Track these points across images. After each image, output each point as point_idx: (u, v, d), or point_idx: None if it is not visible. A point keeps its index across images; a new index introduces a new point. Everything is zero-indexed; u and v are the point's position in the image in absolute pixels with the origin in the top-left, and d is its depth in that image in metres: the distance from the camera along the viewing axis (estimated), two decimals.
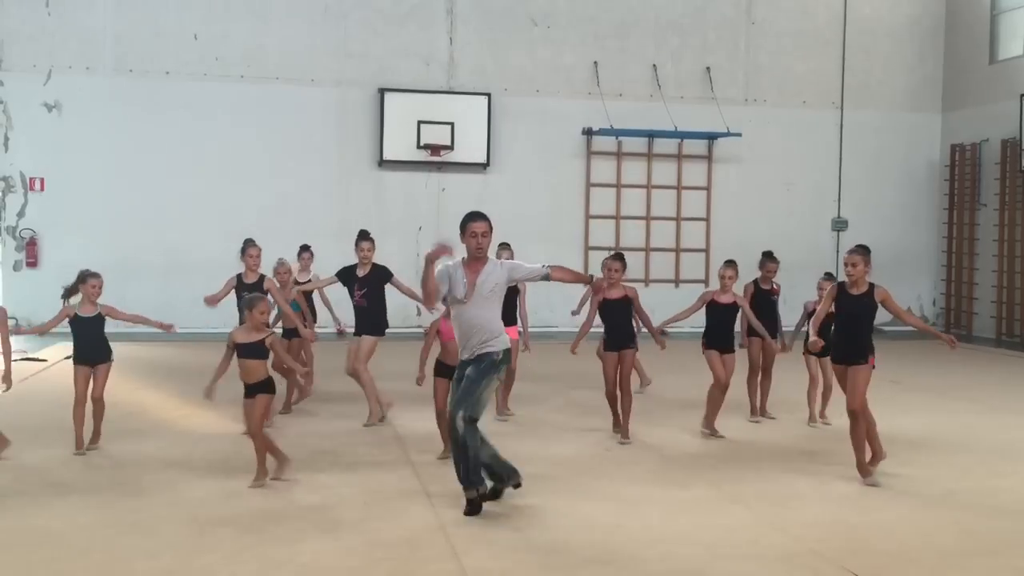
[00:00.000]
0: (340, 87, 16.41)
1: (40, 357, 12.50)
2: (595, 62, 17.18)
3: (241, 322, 7.21)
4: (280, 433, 7.99)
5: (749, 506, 6.41)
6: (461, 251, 6.32)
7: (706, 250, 17.52)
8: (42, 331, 8.13)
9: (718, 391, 8.52)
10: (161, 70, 15.87)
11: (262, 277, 8.77)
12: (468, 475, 6.02)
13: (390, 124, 16.27)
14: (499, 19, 16.92)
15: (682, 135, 17.19)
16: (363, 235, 8.93)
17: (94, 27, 15.72)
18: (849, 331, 6.96)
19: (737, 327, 8.80)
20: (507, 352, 6.28)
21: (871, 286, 6.93)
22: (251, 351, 6.67)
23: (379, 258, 9.01)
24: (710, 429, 8.52)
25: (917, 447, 8.28)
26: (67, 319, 7.55)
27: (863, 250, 6.95)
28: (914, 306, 18.77)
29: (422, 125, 16.22)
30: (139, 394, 10.19)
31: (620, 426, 8.34)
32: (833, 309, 7.16)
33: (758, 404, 9.35)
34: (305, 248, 10.28)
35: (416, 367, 7.66)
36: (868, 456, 7.06)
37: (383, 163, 16.46)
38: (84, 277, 7.53)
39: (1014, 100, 16.49)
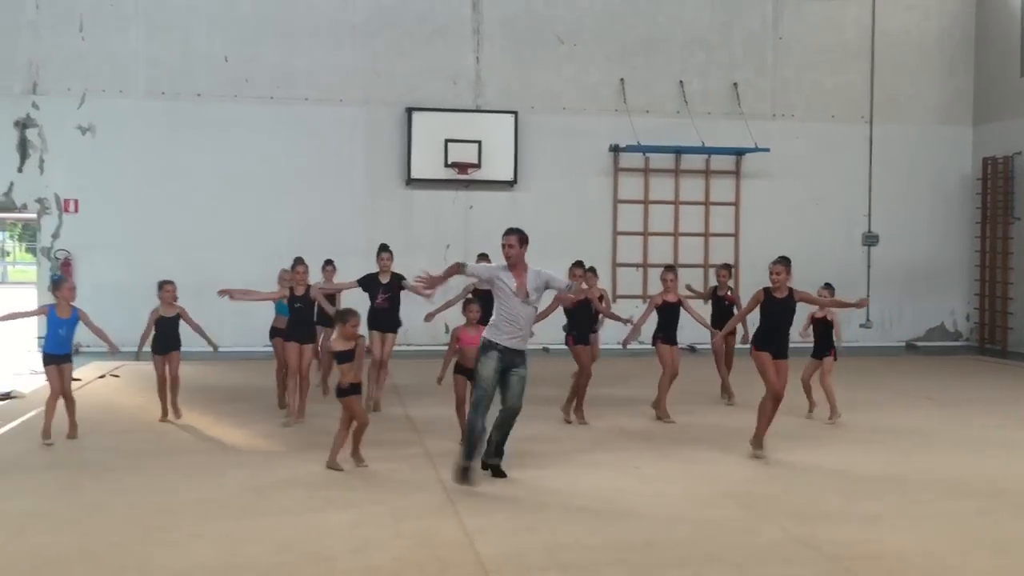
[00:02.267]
0: (368, 107, 16.54)
1: (74, 376, 12.61)
2: (621, 79, 17.20)
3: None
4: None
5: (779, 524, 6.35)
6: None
7: (735, 266, 17.42)
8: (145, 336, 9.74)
9: (667, 380, 9.95)
10: (192, 92, 16.09)
11: (308, 287, 9.89)
12: (493, 451, 7.47)
13: (418, 143, 16.37)
14: (525, 37, 17.00)
15: (710, 151, 17.15)
16: (383, 247, 10.49)
17: (126, 51, 15.97)
18: (773, 326, 8.19)
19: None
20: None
21: (790, 290, 8.28)
22: (345, 357, 7.59)
23: (408, 276, 10.10)
24: (662, 414, 9.90)
25: (951, 464, 8.17)
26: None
27: (785, 261, 8.34)
28: (947, 321, 18.57)
29: (449, 144, 16.30)
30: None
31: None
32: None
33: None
34: (328, 263, 11.42)
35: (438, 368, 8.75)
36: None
37: (411, 182, 16.55)
38: (161, 284, 9.68)
39: None
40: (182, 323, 9.73)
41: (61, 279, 9.19)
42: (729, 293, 11.27)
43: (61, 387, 8.72)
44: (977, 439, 9.36)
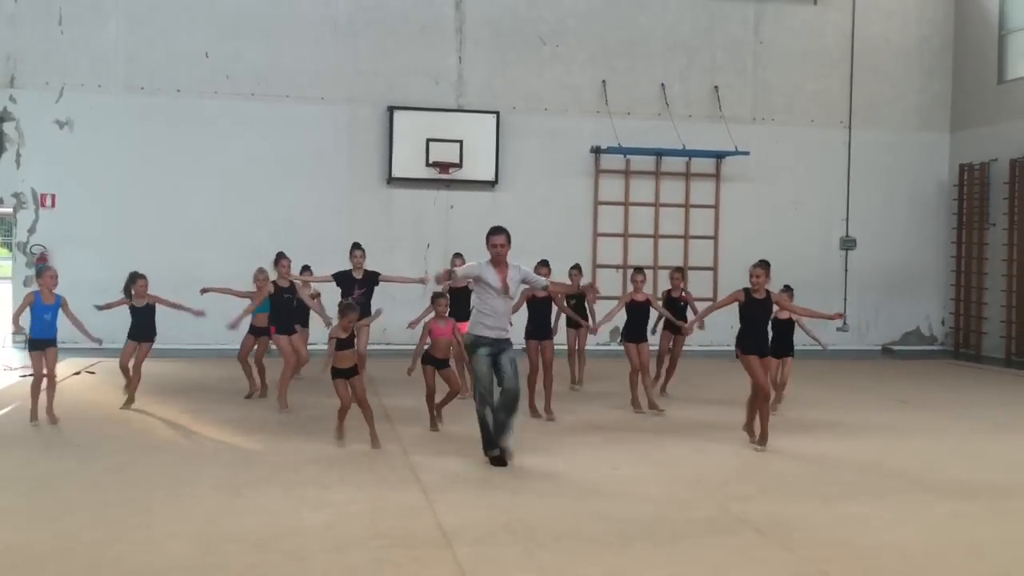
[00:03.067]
0: (350, 105, 16.50)
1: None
2: (603, 81, 17.25)
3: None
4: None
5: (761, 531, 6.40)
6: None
7: (714, 268, 17.52)
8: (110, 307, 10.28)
9: (635, 375, 10.53)
10: (172, 88, 15.99)
11: (291, 283, 10.63)
12: (496, 436, 7.83)
13: (399, 142, 16.35)
14: (508, 38, 17.01)
15: (690, 153, 17.23)
16: (356, 245, 11.05)
17: (106, 45, 15.86)
18: (755, 327, 8.65)
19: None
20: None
21: (768, 292, 8.72)
22: (344, 344, 8.48)
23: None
24: (636, 407, 10.46)
25: (925, 467, 8.25)
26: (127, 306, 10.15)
27: (765, 264, 8.75)
28: (923, 325, 18.75)
29: (431, 143, 16.29)
30: (152, 408, 10.20)
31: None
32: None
33: (661, 386, 11.61)
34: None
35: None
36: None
37: (392, 180, 16.52)
38: (134, 278, 10.21)
39: (1023, 120, 16.49)
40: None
41: (44, 267, 9.82)
42: (684, 294, 11.69)
43: (43, 369, 9.21)
44: (950, 441, 9.45)
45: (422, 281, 11.86)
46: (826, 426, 10.03)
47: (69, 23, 15.76)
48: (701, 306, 10.92)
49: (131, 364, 10.14)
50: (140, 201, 15.79)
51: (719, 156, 17.41)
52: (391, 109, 16.41)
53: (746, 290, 8.67)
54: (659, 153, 17.24)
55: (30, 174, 15.71)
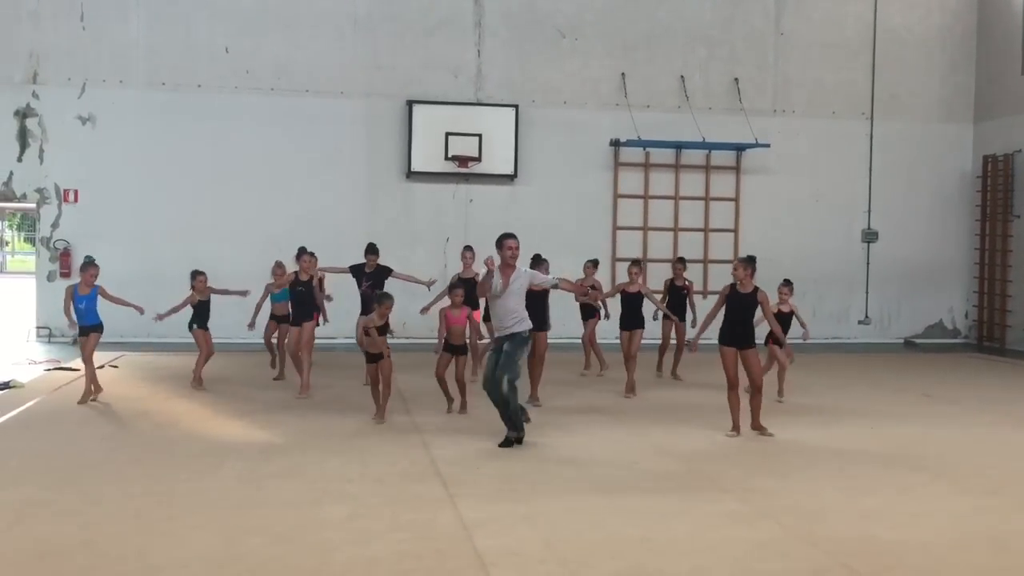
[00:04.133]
0: (369, 99, 16.53)
1: (73, 367, 12.65)
2: (622, 73, 17.19)
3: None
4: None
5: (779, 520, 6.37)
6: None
7: (734, 261, 17.39)
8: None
9: (627, 360, 11.10)
10: (193, 83, 16.07)
11: (311, 277, 11.07)
12: (513, 423, 8.34)
13: (418, 136, 16.36)
14: (527, 31, 16.98)
15: (710, 146, 17.15)
16: (370, 248, 11.74)
17: (127, 41, 15.95)
18: (739, 320, 8.89)
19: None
20: (531, 332, 8.60)
21: (755, 288, 8.91)
22: (379, 332, 9.30)
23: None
24: (628, 390, 11.05)
25: (949, 460, 8.19)
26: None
27: (748, 260, 9.04)
28: (946, 318, 18.60)
29: (450, 137, 16.29)
30: (174, 401, 10.29)
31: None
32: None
33: (671, 368, 12.43)
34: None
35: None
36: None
37: (411, 174, 16.54)
38: (194, 274, 11.25)
39: None
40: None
41: (88, 262, 10.38)
42: (686, 283, 12.43)
43: (84, 354, 10.11)
44: (974, 435, 9.37)
45: (429, 284, 12.12)
46: (849, 419, 9.98)
47: (91, 19, 15.86)
48: (700, 304, 11.24)
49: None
50: (161, 196, 15.89)
51: (739, 149, 17.32)
52: (410, 103, 16.42)
53: (731, 285, 8.99)
54: (679, 146, 17.17)
55: (53, 170, 15.83)
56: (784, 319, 10.58)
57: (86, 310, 10.10)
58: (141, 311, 10.57)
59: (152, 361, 13.32)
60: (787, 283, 11.24)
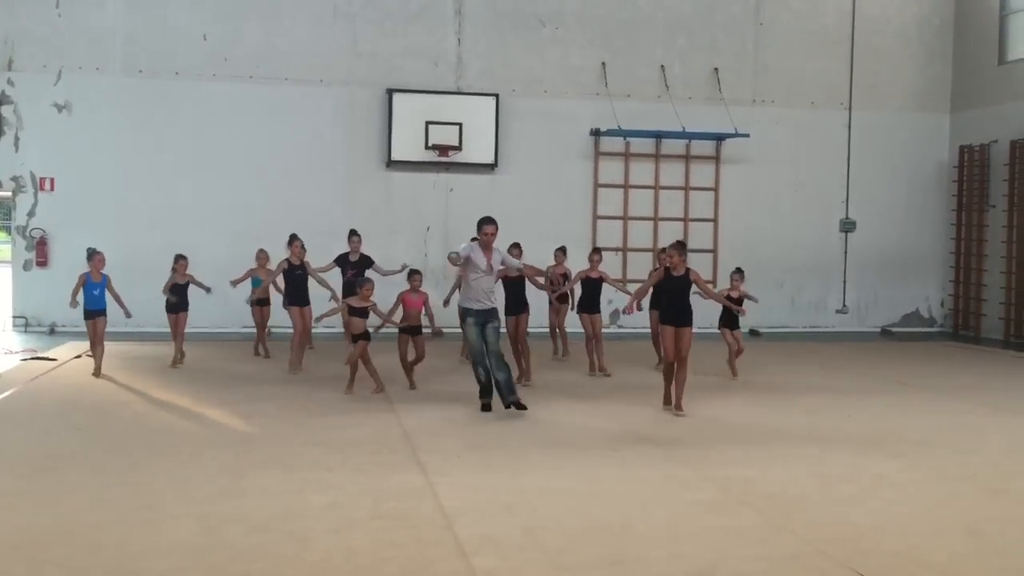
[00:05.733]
0: (349, 87, 16.44)
1: (50, 356, 12.57)
2: (603, 63, 17.19)
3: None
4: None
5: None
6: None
7: (714, 251, 17.51)
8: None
9: (591, 343, 11.86)
10: (170, 70, 15.93)
11: (302, 261, 11.87)
12: (511, 388, 9.18)
13: (398, 124, 16.30)
14: (507, 20, 16.93)
15: (690, 136, 17.19)
16: (353, 232, 12.62)
17: (104, 28, 15.79)
18: (675, 301, 9.56)
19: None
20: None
21: (687, 270, 9.61)
22: (359, 312, 10.11)
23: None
24: (592, 372, 11.79)
25: (924, 448, 8.28)
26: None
27: (679, 245, 9.68)
28: (922, 307, 18.76)
29: (430, 125, 16.25)
30: (154, 391, 10.23)
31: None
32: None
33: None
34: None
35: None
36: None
37: (391, 163, 16.49)
38: (177, 258, 12.08)
39: (1023, 101, 16.44)
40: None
41: (93, 251, 11.31)
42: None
43: (96, 335, 11.08)
44: (949, 423, 9.47)
45: (402, 269, 12.16)
46: (826, 407, 10.06)
47: (67, 5, 15.68)
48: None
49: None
50: (138, 184, 15.76)
51: (719, 138, 17.37)
52: (390, 92, 16.35)
53: (666, 269, 9.65)
54: (659, 135, 17.20)
55: (29, 157, 15.67)
56: (735, 303, 11.59)
57: (100, 296, 11.15)
58: (129, 315, 11.39)
59: (129, 351, 13.24)
60: (739, 271, 12.20)
